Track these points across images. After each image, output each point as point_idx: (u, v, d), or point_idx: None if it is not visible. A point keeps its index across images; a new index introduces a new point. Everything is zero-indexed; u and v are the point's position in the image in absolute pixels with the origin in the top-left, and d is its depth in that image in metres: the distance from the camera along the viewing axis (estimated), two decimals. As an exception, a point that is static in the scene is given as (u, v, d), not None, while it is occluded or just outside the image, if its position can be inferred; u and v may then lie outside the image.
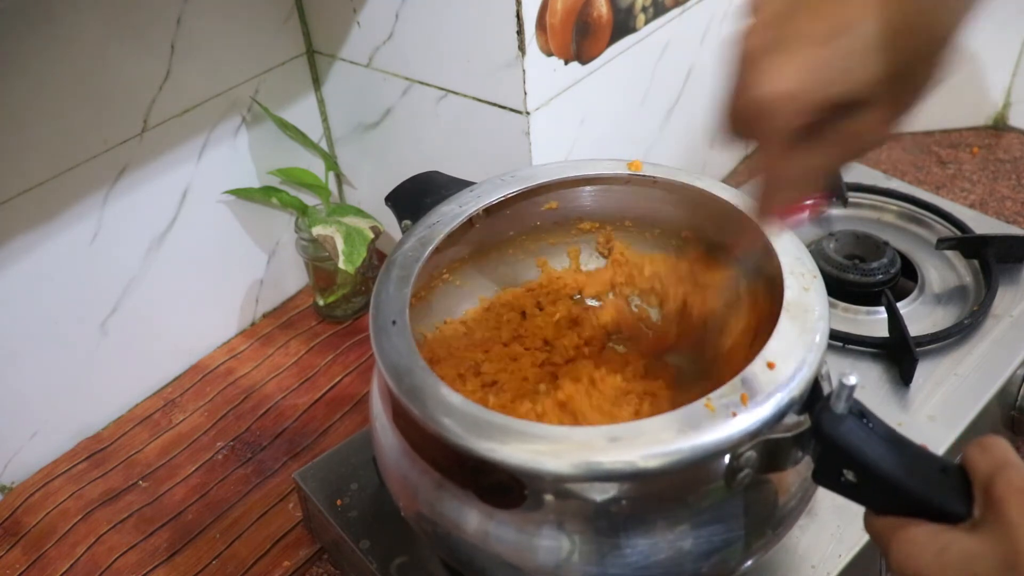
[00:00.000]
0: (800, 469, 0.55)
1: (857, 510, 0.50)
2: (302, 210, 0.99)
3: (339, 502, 0.75)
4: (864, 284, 0.90)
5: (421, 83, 0.91)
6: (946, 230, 0.99)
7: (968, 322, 0.85)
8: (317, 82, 1.02)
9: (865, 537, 0.69)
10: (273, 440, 0.91)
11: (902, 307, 0.88)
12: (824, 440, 0.50)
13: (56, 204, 0.82)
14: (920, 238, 0.99)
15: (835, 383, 0.50)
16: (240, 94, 0.94)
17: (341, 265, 0.93)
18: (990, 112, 1.28)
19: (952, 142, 1.26)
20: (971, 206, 1.11)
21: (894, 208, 1.03)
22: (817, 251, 0.92)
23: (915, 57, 0.43)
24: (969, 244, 0.94)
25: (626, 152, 1.00)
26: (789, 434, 0.51)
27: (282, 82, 0.98)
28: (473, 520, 0.55)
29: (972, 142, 1.26)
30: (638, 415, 0.66)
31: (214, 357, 1.01)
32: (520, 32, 0.79)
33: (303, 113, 1.02)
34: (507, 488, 0.52)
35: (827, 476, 0.51)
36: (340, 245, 0.93)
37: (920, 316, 0.89)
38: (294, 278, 1.09)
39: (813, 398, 0.53)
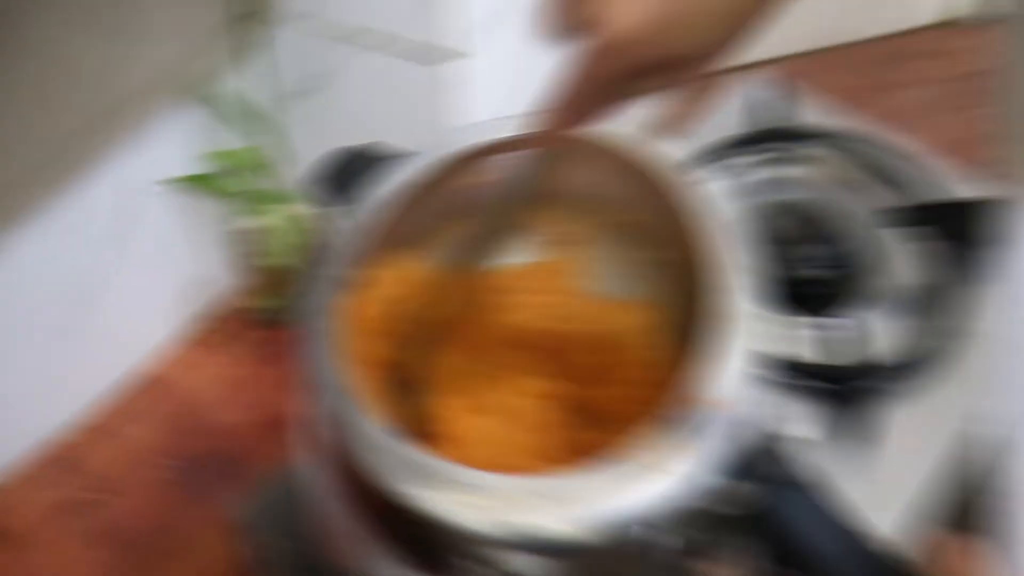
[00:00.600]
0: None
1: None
2: (242, 198, 0.93)
3: (275, 531, 0.71)
4: (802, 283, 0.71)
5: (354, 41, 0.85)
6: (897, 196, 0.79)
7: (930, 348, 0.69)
8: (250, 51, 0.93)
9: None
10: (210, 457, 0.87)
11: (831, 321, 0.71)
12: (761, 522, 0.43)
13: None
14: (867, 202, 0.80)
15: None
16: (171, 74, 0.87)
17: (277, 260, 0.88)
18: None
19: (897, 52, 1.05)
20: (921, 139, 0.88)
21: (826, 159, 0.82)
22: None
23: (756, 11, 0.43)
24: (927, 215, 0.76)
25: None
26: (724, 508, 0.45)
27: (212, 57, 0.90)
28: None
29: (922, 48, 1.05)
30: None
31: (152, 364, 0.96)
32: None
33: (242, 88, 0.94)
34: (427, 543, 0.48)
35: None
36: (278, 236, 0.88)
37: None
38: (232, 278, 1.02)
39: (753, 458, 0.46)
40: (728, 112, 0.90)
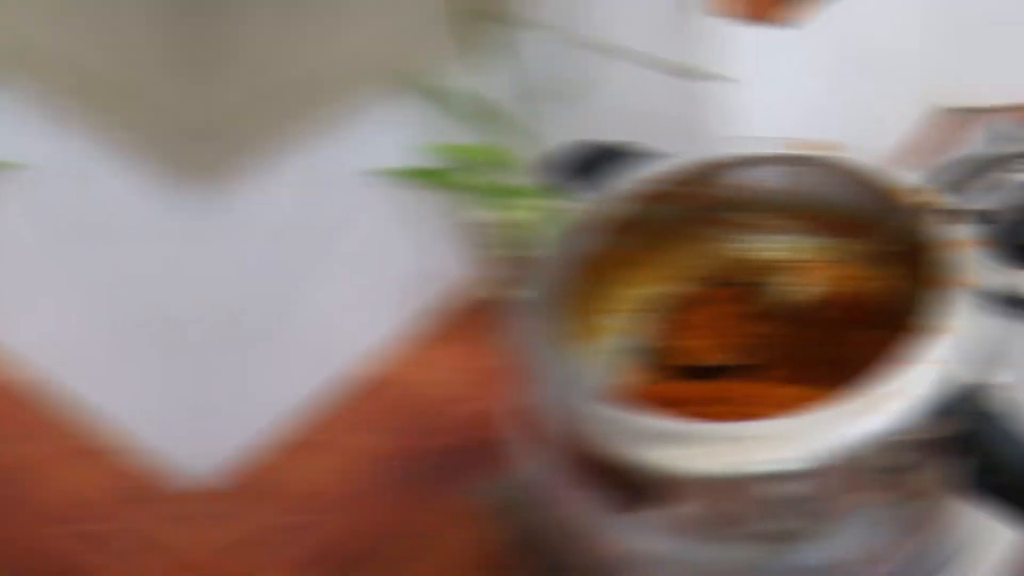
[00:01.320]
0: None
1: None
2: (478, 192, 0.89)
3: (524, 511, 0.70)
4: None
5: (609, 51, 0.86)
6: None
7: None
8: (480, 50, 0.89)
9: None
10: (441, 455, 0.81)
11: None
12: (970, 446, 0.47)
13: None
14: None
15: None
16: (378, 60, 0.84)
17: (519, 252, 0.86)
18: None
19: None
20: None
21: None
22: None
23: None
24: None
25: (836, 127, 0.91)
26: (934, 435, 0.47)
27: (430, 49, 0.87)
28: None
29: None
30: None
31: (373, 365, 0.89)
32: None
33: (475, 86, 0.89)
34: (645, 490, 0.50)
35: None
36: (521, 229, 0.87)
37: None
38: (463, 271, 0.94)
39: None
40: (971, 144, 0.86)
